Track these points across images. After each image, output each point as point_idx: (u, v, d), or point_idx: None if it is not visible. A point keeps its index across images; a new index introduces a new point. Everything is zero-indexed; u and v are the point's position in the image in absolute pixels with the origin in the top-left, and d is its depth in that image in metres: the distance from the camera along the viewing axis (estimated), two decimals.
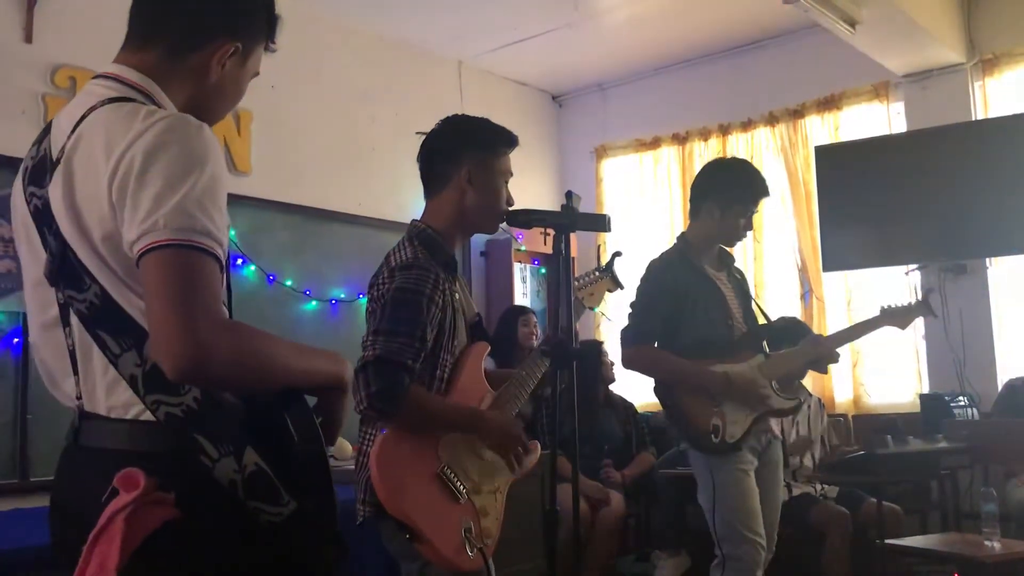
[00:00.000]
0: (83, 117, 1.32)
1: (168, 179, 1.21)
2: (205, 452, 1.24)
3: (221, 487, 1.24)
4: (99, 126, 1.29)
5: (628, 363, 3.20)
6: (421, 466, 2.10)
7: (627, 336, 3.15)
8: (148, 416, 1.27)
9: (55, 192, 1.30)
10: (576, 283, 2.44)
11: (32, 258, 1.37)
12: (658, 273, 3.16)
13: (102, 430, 1.31)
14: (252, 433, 1.27)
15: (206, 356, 1.17)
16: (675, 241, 3.28)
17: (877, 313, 3.29)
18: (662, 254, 3.23)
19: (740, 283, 3.25)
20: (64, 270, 1.30)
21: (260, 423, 1.28)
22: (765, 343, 3.14)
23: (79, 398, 1.34)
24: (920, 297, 3.32)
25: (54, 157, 1.33)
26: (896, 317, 3.25)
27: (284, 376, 1.31)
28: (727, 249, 3.29)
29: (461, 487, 2.13)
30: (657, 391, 3.21)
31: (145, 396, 1.26)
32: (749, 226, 3.18)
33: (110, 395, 1.30)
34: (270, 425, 1.29)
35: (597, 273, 2.54)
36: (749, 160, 3.54)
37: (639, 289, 3.16)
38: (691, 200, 3.25)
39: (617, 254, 2.61)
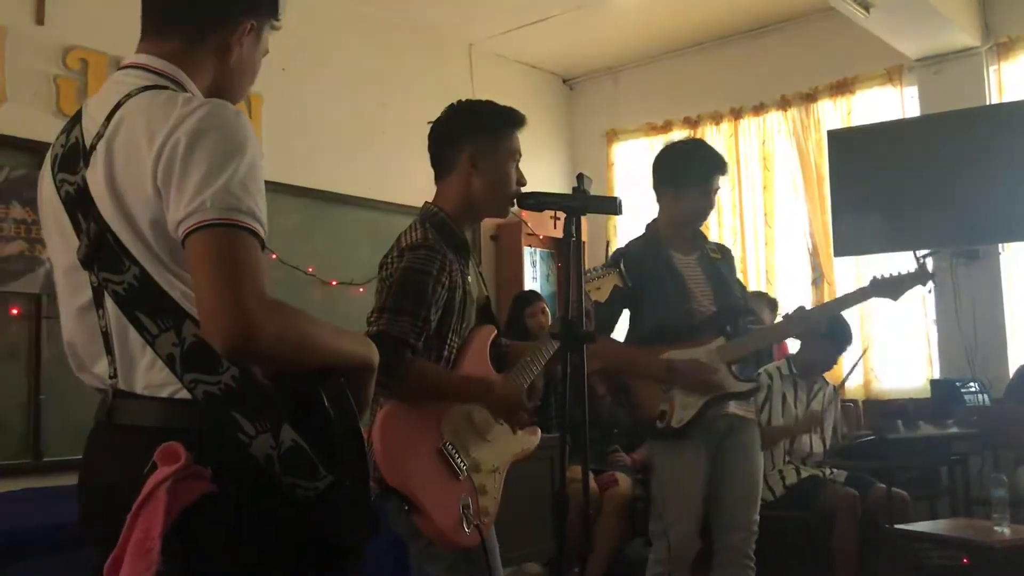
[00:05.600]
0: (118, 104, 1.36)
1: (212, 163, 1.25)
2: (242, 429, 1.27)
3: (257, 463, 1.27)
4: (139, 113, 1.33)
5: None
6: (423, 440, 2.13)
7: None
8: (185, 395, 1.30)
9: (94, 177, 1.33)
10: (584, 276, 2.46)
11: (63, 245, 1.40)
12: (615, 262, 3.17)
13: (139, 408, 1.34)
14: (289, 410, 1.30)
15: (256, 333, 1.22)
16: (644, 229, 3.28)
17: (867, 284, 3.16)
18: (627, 243, 3.24)
19: (716, 263, 3.19)
20: (101, 252, 1.33)
21: (297, 400, 1.32)
22: (729, 326, 3.09)
23: (112, 377, 1.37)
24: (916, 266, 3.16)
25: (87, 144, 1.36)
26: (888, 288, 3.12)
27: (324, 355, 1.36)
28: (701, 230, 3.28)
29: (462, 463, 2.17)
30: (611, 378, 3.22)
31: (183, 375, 1.29)
32: (710, 204, 3.15)
33: (148, 375, 1.33)
34: (307, 402, 1.32)
35: (605, 268, 2.57)
36: (705, 142, 3.46)
37: None
38: (653, 188, 3.25)
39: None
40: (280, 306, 1.28)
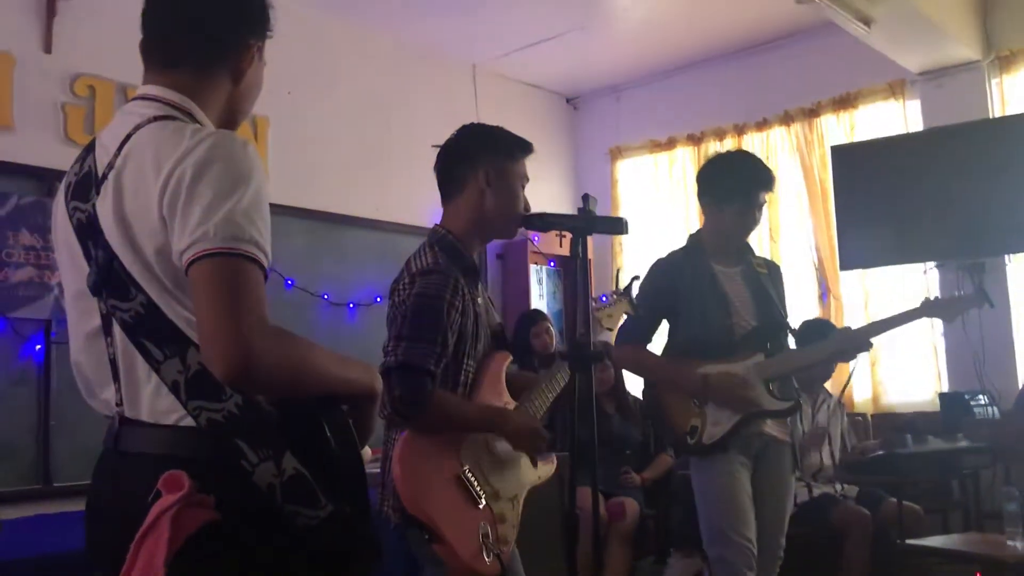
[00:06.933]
0: (129, 135, 1.37)
1: (217, 192, 1.27)
2: (245, 457, 1.29)
3: (260, 491, 1.28)
4: (147, 143, 1.34)
5: (617, 362, 3.21)
6: (442, 468, 2.12)
7: (618, 335, 3.15)
8: (189, 422, 1.31)
9: (103, 206, 1.35)
10: (594, 305, 2.48)
11: (74, 271, 1.41)
12: (656, 273, 3.12)
13: (144, 436, 1.35)
14: (291, 438, 1.31)
15: (255, 360, 1.22)
16: (687, 239, 3.25)
17: (918, 305, 3.09)
18: (669, 253, 3.19)
19: (761, 278, 3.12)
20: (109, 280, 1.34)
21: (299, 429, 1.33)
22: (769, 342, 3.03)
23: (119, 404, 1.38)
24: (975, 287, 3.11)
25: (99, 173, 1.38)
26: (940, 309, 3.06)
27: (324, 383, 1.37)
28: (748, 243, 3.20)
29: (481, 491, 2.15)
30: (643, 392, 3.19)
31: (187, 402, 1.31)
32: (755, 218, 3.09)
33: (153, 402, 1.34)
34: (308, 431, 1.34)
35: (615, 296, 2.59)
36: (753, 155, 3.38)
37: (639, 288, 3.13)
38: (698, 197, 3.22)
39: (635, 279, 2.68)
40: (281, 333, 1.29)
